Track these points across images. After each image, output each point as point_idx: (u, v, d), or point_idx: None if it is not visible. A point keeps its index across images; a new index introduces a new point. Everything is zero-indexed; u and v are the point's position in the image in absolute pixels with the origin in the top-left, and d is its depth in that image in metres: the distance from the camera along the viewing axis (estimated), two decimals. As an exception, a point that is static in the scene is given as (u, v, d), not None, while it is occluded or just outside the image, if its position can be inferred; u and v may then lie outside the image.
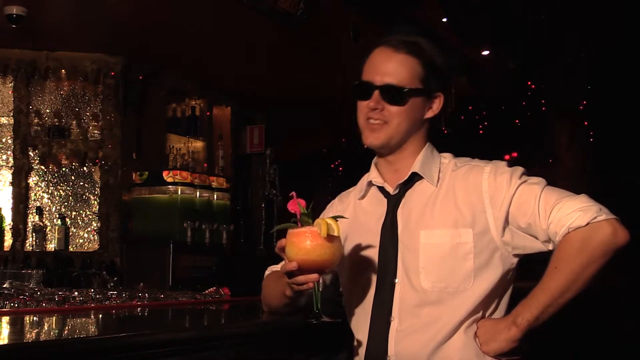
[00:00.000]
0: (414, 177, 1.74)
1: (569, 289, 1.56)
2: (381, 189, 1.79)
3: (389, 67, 1.71)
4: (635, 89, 6.23)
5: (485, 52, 5.76)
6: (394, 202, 1.75)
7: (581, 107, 6.39)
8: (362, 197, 1.83)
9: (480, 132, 7.01)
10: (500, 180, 1.65)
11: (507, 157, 6.98)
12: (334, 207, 1.91)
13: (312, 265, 1.52)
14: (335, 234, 1.52)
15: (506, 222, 1.64)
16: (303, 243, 1.52)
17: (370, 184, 1.81)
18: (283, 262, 1.80)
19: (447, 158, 1.79)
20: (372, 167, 1.83)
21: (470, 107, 6.81)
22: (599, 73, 6.29)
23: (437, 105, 1.77)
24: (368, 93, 1.71)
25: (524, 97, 6.86)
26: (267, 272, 1.95)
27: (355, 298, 1.77)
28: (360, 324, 1.74)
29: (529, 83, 6.80)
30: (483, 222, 1.64)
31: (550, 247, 1.62)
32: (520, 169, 1.68)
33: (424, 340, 1.63)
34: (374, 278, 1.72)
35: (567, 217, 1.57)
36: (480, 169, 1.70)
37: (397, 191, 1.75)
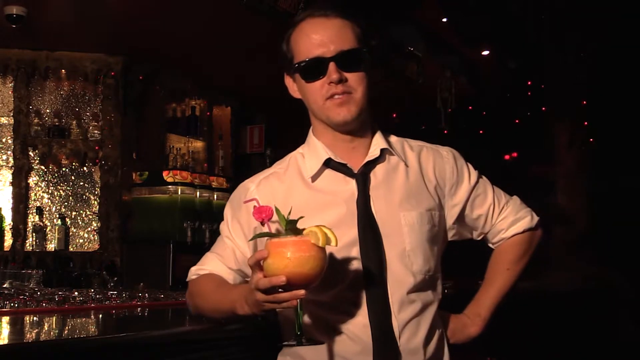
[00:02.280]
0: (380, 155, 1.62)
1: (514, 285, 1.76)
2: (342, 168, 1.60)
3: (332, 34, 1.55)
4: (635, 88, 6.23)
5: (485, 52, 5.76)
6: (362, 181, 1.58)
7: (581, 107, 6.37)
8: (315, 178, 1.61)
9: (480, 132, 7.00)
10: (461, 170, 1.70)
11: (507, 157, 6.98)
12: (262, 190, 1.66)
13: (302, 278, 1.33)
14: (333, 244, 1.36)
15: (462, 210, 1.69)
16: (294, 254, 1.33)
17: (329, 161, 1.60)
18: (222, 269, 1.65)
19: (392, 137, 1.69)
20: (319, 145, 1.63)
21: (470, 107, 6.80)
22: (599, 73, 6.28)
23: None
24: (321, 69, 1.54)
25: (524, 97, 6.85)
26: (192, 276, 1.68)
27: (337, 293, 1.53)
28: (357, 322, 1.53)
29: (529, 83, 6.79)
30: (442, 206, 1.67)
31: (480, 238, 1.76)
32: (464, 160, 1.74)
33: (425, 328, 1.57)
34: (359, 266, 1.53)
35: (518, 218, 1.73)
36: (438, 153, 1.70)
37: (361, 170, 1.60)
